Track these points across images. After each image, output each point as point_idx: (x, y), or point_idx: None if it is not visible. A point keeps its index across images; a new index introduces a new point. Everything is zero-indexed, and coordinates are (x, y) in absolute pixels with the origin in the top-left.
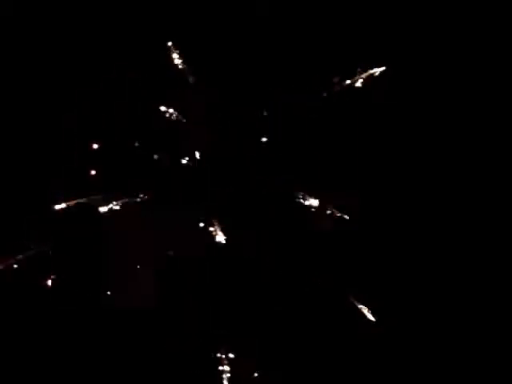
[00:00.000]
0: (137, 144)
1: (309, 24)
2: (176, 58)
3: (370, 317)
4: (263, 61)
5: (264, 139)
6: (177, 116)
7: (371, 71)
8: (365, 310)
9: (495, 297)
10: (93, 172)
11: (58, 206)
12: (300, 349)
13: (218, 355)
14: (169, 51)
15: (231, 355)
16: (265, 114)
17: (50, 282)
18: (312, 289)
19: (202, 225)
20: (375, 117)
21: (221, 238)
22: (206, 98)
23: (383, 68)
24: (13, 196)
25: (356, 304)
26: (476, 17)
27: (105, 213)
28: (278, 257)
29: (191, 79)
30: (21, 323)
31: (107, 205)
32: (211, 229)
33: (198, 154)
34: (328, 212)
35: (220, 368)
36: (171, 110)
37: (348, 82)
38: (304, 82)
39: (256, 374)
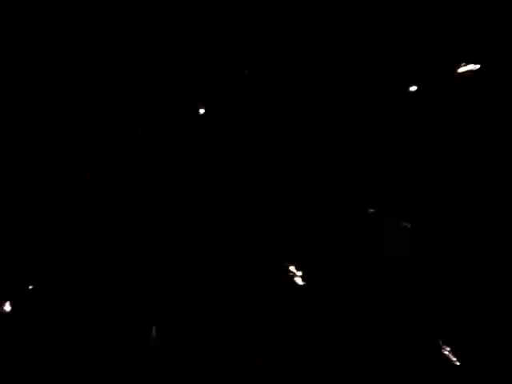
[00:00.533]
0: (137, 143)
1: (309, 24)
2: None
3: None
4: (263, 61)
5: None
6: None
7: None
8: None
9: (498, 299)
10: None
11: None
12: (301, 348)
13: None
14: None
15: (231, 354)
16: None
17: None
18: (312, 289)
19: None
20: (377, 117)
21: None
22: (206, 98)
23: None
24: (12, 196)
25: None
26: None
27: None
28: (278, 256)
29: (191, 79)
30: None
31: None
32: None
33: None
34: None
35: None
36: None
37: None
38: (304, 82)
39: (256, 374)
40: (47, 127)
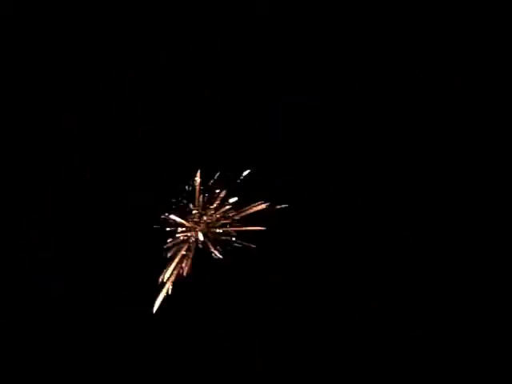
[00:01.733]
0: (137, 143)
1: (309, 24)
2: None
3: None
4: (263, 61)
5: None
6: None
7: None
8: None
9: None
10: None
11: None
12: (301, 348)
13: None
14: None
15: (231, 354)
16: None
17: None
18: (312, 289)
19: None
20: (376, 117)
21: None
22: (206, 98)
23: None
24: (12, 196)
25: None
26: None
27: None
28: (279, 256)
29: (191, 80)
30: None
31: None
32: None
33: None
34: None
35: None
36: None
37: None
38: (304, 82)
39: (256, 374)
40: (47, 127)
